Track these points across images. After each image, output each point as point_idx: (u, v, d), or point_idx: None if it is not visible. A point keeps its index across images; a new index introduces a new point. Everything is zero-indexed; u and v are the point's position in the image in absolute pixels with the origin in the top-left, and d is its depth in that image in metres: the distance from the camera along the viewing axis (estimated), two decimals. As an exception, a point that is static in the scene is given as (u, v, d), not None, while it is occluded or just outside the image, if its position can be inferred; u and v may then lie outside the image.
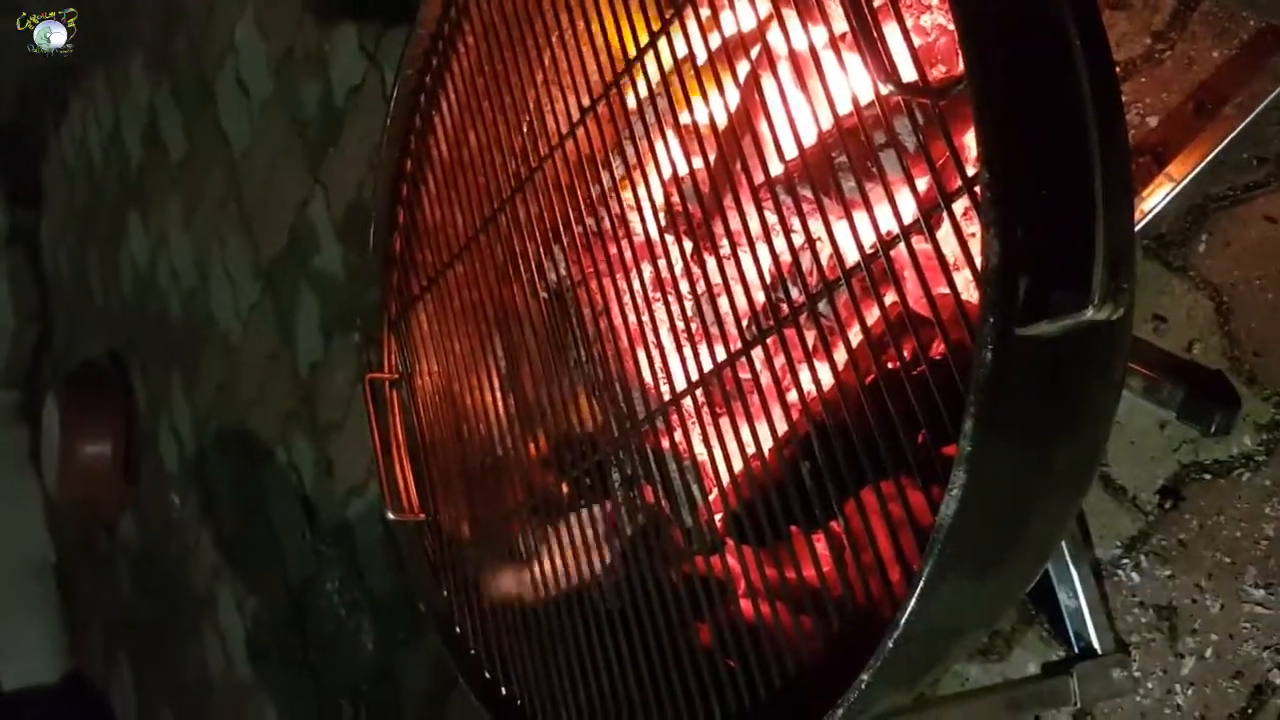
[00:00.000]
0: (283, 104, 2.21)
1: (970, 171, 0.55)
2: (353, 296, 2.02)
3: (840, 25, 0.65)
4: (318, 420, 2.12)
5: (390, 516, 0.92)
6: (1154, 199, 0.88)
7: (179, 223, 2.67)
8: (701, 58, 0.76)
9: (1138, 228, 0.89)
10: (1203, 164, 0.87)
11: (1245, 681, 0.88)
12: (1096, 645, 0.92)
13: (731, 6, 0.74)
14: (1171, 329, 0.93)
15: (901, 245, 0.57)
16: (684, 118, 0.78)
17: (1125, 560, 0.95)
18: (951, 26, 0.73)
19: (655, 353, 0.77)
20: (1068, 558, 0.92)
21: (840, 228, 0.64)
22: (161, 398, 2.81)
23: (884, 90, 0.56)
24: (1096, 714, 0.95)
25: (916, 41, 0.75)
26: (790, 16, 0.69)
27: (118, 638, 3.24)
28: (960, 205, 0.56)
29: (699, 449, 0.75)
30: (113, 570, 3.19)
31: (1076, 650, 0.93)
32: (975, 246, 0.58)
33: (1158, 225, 0.93)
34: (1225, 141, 0.86)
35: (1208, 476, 0.91)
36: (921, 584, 0.51)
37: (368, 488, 1.95)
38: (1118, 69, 0.97)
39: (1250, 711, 0.87)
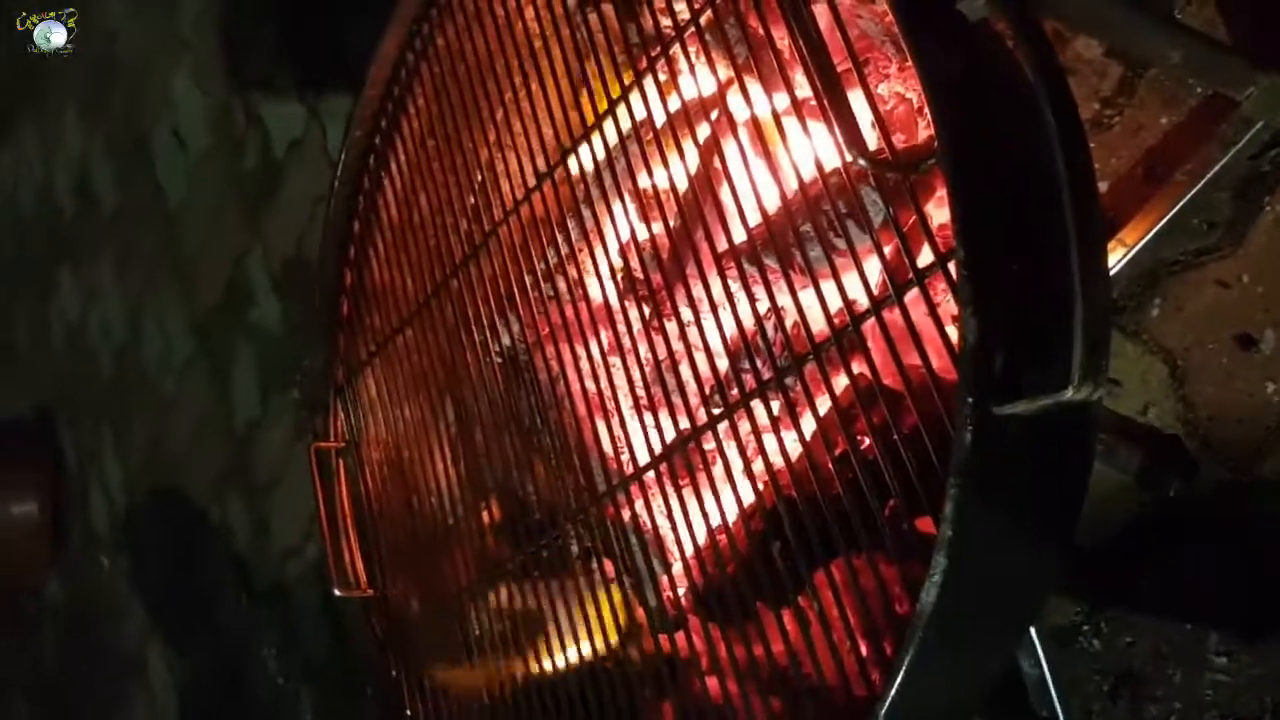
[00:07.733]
0: (220, 157, 2.17)
1: (941, 244, 0.54)
2: (291, 352, 1.98)
3: (803, 91, 0.64)
4: (253, 479, 2.07)
5: (336, 593, 0.88)
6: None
7: (111, 277, 2.60)
8: (660, 121, 0.75)
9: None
10: (1154, 230, 0.87)
11: (1208, 750, 0.87)
12: (1060, 715, 0.91)
13: (691, 71, 0.74)
14: (1126, 393, 0.93)
15: (872, 319, 0.56)
16: (643, 181, 0.77)
17: (1086, 626, 0.94)
18: (910, 95, 0.73)
19: (615, 422, 0.75)
20: (1028, 623, 0.91)
21: (806, 295, 0.63)
22: (92, 455, 2.72)
23: (853, 163, 0.55)
24: (1059, 785, 0.94)
25: (877, 109, 0.75)
26: (751, 81, 0.69)
27: (41, 704, 3.12)
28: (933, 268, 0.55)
29: (661, 522, 0.73)
30: (37, 634, 3.08)
31: (1039, 721, 0.91)
32: (945, 312, 0.57)
33: (1111, 290, 0.93)
34: (1176, 208, 0.86)
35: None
36: (902, 674, 0.50)
37: (305, 550, 1.90)
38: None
39: (1214, 781, 0.86)
